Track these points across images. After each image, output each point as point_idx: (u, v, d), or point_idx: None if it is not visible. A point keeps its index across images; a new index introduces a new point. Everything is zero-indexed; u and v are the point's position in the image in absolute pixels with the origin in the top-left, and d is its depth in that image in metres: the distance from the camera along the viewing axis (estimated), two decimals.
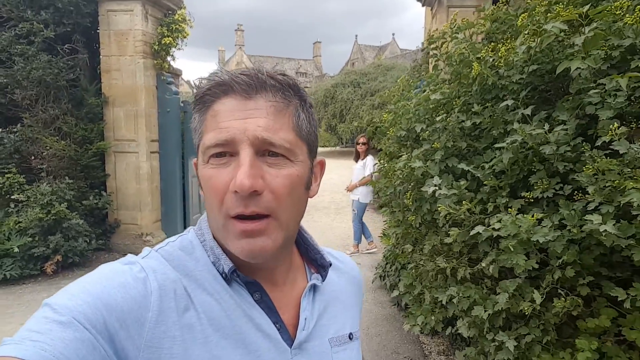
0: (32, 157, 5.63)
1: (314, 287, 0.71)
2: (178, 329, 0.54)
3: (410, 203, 2.17)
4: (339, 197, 11.23)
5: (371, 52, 54.70)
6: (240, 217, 0.56)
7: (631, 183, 1.39)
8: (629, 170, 1.45)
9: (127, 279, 0.54)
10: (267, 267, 0.65)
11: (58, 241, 5.31)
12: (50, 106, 5.58)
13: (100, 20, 5.93)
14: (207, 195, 0.59)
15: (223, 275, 0.60)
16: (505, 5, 2.37)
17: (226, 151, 0.57)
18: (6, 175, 5.36)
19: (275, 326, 0.63)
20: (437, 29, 4.89)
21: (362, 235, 6.54)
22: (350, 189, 6.33)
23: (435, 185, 1.93)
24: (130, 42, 5.93)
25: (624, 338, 1.67)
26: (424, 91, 2.39)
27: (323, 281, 0.73)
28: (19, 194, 5.34)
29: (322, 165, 0.71)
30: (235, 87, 0.58)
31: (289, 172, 0.59)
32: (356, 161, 6.41)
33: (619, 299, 1.52)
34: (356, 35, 60.43)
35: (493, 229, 1.63)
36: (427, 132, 2.18)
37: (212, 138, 0.57)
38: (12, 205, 5.52)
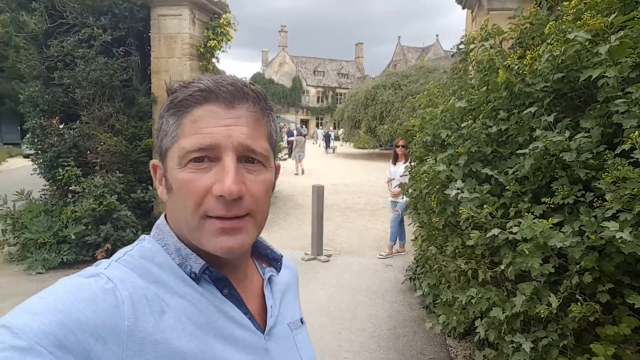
0: (88, 152, 6.10)
1: (270, 279, 0.77)
2: (159, 332, 0.54)
3: (435, 205, 2.23)
4: (375, 199, 11.24)
5: (414, 54, 53.90)
6: (219, 217, 0.59)
7: None
8: None
9: (95, 291, 0.52)
10: (234, 263, 0.68)
11: (108, 230, 5.72)
12: (105, 105, 6.03)
13: (152, 24, 6.33)
14: (183, 198, 0.60)
15: (192, 275, 0.62)
16: (541, 8, 2.37)
17: (206, 156, 0.59)
18: (65, 168, 5.85)
19: (246, 317, 0.66)
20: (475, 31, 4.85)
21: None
22: (398, 194, 6.35)
23: (458, 189, 1.98)
24: (179, 45, 6.29)
25: None
26: (451, 98, 2.43)
27: (278, 272, 0.80)
28: (76, 186, 5.81)
29: (279, 168, 0.75)
30: (219, 95, 0.60)
31: (264, 177, 0.64)
32: (394, 164, 6.46)
33: (636, 306, 1.52)
34: (399, 37, 59.87)
35: (510, 232, 1.67)
36: (453, 137, 2.23)
37: (194, 142, 0.59)
38: (69, 195, 6.02)
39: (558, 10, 2.11)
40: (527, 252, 1.60)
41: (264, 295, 0.74)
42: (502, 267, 1.83)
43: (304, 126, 47.44)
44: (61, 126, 6.30)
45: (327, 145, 28.69)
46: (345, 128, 27.99)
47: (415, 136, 3.32)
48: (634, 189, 1.47)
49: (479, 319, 1.98)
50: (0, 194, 6.05)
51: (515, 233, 1.65)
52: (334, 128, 37.48)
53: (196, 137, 0.59)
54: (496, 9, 4.93)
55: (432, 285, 2.56)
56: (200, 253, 0.63)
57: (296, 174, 15.42)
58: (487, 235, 1.77)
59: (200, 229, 0.60)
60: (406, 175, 6.16)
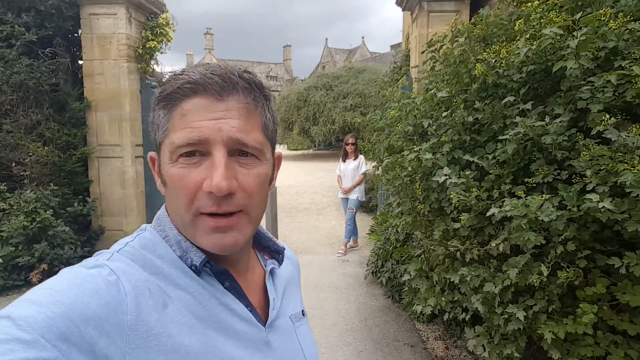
0: (13, 164, 5.49)
1: (271, 271, 0.77)
2: (161, 326, 0.53)
3: (419, 193, 2.35)
4: (319, 199, 11.41)
5: (341, 55, 55.35)
6: (212, 214, 0.58)
7: (624, 165, 1.62)
8: (621, 154, 1.68)
9: (99, 283, 0.51)
10: (233, 257, 0.67)
11: (44, 249, 5.19)
12: (32, 111, 5.46)
13: (82, 23, 5.85)
14: (175, 194, 0.59)
15: (193, 268, 0.61)
16: (496, 9, 2.60)
17: (196, 150, 0.58)
18: None
19: (248, 309, 0.66)
20: (429, 35, 5.12)
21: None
22: (349, 190, 6.49)
23: (446, 175, 2.12)
24: (114, 46, 5.88)
25: (617, 303, 1.90)
26: (427, 90, 2.59)
27: (280, 265, 0.79)
28: (1, 202, 5.20)
29: (280, 159, 0.74)
30: (207, 87, 0.58)
31: (258, 171, 0.62)
32: (344, 161, 6.60)
33: (616, 266, 1.74)
34: (326, 39, 61.13)
35: (505, 210, 1.83)
36: (434, 127, 2.37)
37: (183, 137, 0.57)
38: None
39: (519, 9, 2.34)
40: (523, 227, 1.76)
41: (265, 287, 0.74)
42: (494, 243, 1.99)
43: None
44: None
45: None
46: (279, 130, 27.97)
47: (376, 129, 3.45)
48: (609, 164, 1.69)
49: (473, 295, 2.12)
50: None
51: (509, 211, 1.80)
52: None
53: (185, 132, 0.57)
54: (436, 10, 5.26)
55: (418, 270, 2.68)
56: (198, 247, 0.62)
57: None
58: (487, 215, 1.91)
59: (193, 226, 0.59)
60: (365, 170, 6.38)
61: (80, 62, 6.15)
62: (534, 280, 1.84)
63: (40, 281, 0.46)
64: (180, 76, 0.59)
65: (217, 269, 0.63)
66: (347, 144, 6.55)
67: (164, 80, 0.58)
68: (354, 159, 6.50)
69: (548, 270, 1.85)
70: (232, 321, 0.62)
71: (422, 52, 2.95)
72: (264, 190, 0.64)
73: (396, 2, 5.87)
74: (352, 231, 6.61)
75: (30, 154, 5.40)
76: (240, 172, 0.59)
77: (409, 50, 6.35)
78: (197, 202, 0.57)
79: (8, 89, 5.25)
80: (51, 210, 5.31)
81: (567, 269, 1.86)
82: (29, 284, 5.25)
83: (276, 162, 0.71)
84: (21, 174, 5.47)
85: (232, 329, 0.62)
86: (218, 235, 0.58)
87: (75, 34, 6.04)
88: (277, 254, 0.79)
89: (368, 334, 3.89)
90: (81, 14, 5.80)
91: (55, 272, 0.56)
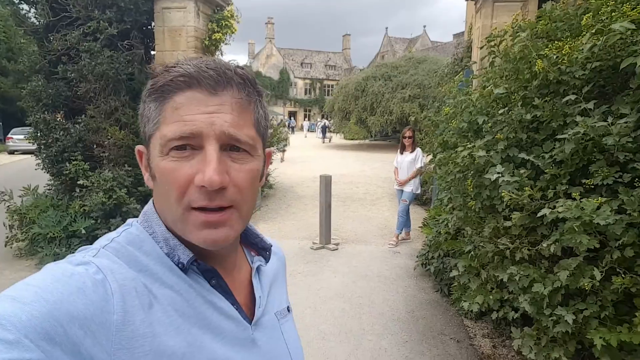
0: (95, 146, 6.08)
1: (258, 269, 0.76)
2: (147, 326, 0.53)
3: (471, 189, 2.35)
4: (373, 189, 11.40)
5: (401, 45, 54.05)
6: (202, 209, 0.57)
7: None
8: None
9: (85, 281, 0.50)
10: (221, 253, 0.67)
11: (118, 224, 5.70)
12: (111, 98, 5.99)
13: (156, 17, 6.29)
14: (166, 188, 0.58)
15: (179, 265, 0.60)
16: (562, 3, 2.49)
17: (188, 144, 0.57)
18: (73, 162, 5.82)
19: (234, 307, 0.66)
20: (492, 26, 4.96)
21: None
22: (404, 183, 6.49)
23: (499, 173, 2.10)
24: (183, 38, 6.27)
25: None
26: (484, 87, 2.55)
27: (267, 262, 0.78)
28: (84, 180, 5.80)
29: (269, 155, 0.74)
30: (201, 81, 0.58)
31: (250, 167, 0.61)
32: (401, 153, 6.59)
33: None
34: (386, 28, 59.93)
35: (558, 212, 1.80)
36: (489, 124, 2.35)
37: (175, 130, 0.57)
38: (77, 190, 5.99)
39: (587, 2, 2.23)
40: (575, 230, 1.73)
41: (252, 284, 0.74)
42: (545, 244, 1.96)
43: (292, 118, 47.35)
44: (64, 120, 6.25)
45: (324, 136, 30.55)
46: (336, 119, 28.10)
47: (432, 124, 3.44)
48: None
49: (521, 295, 2.11)
50: (6, 189, 6.00)
51: (562, 212, 1.78)
52: (325, 119, 38.05)
53: (177, 125, 0.57)
54: (501, 0, 5.05)
55: (467, 266, 2.68)
56: (186, 243, 0.61)
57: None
58: (538, 215, 1.89)
59: (184, 220, 0.58)
60: (421, 164, 6.33)
61: (152, 52, 6.63)
62: (586, 284, 1.81)
63: None
64: (174, 69, 0.59)
65: (204, 267, 0.62)
66: (405, 137, 6.51)
67: (155, 71, 0.62)
68: (411, 152, 6.45)
69: (602, 274, 1.81)
70: (218, 319, 0.62)
71: (481, 48, 2.89)
72: (255, 186, 0.64)
73: None
74: (405, 223, 6.60)
75: (109, 137, 5.95)
76: (232, 167, 0.59)
77: (471, 42, 6.14)
78: (187, 197, 0.57)
79: (92, 78, 5.79)
80: (125, 189, 5.83)
81: (624, 275, 1.80)
82: None
83: (267, 158, 0.71)
84: (101, 155, 6.04)
85: (218, 328, 0.62)
86: (208, 230, 0.58)
87: (149, 27, 6.50)
88: (264, 251, 0.79)
89: (414, 325, 3.93)
90: (155, 8, 6.22)
91: None
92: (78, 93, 5.96)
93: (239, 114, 0.60)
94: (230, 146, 0.59)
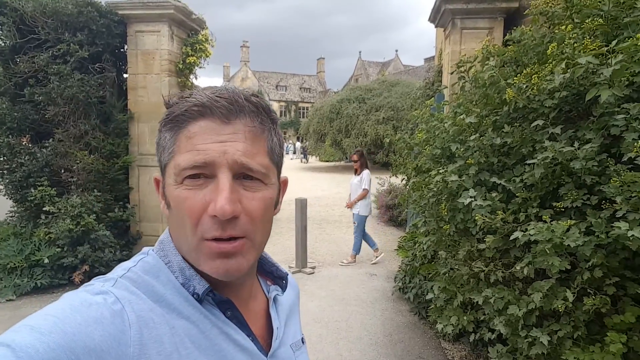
0: (62, 171, 5.87)
1: (274, 299, 0.76)
2: (164, 358, 0.52)
3: (445, 213, 2.38)
4: (349, 211, 11.39)
5: (374, 68, 55.48)
6: (215, 239, 0.57)
7: None
8: None
9: (104, 312, 0.50)
10: (236, 283, 0.66)
11: (86, 252, 5.50)
12: (81, 122, 5.84)
13: (129, 40, 6.24)
14: (180, 216, 0.58)
15: (195, 296, 0.60)
16: (529, 30, 2.61)
17: (202, 173, 0.57)
18: (38, 188, 5.59)
19: (250, 339, 0.65)
20: (461, 51, 5.14)
21: (368, 245, 6.80)
22: (350, 206, 6.63)
23: (471, 197, 2.14)
24: (157, 61, 6.23)
25: None
26: (455, 114, 2.63)
27: (284, 292, 0.78)
28: (50, 206, 5.56)
29: (285, 183, 0.73)
30: (214, 110, 0.58)
31: (263, 195, 0.61)
32: (354, 175, 6.75)
33: None
34: (360, 52, 61.47)
35: (529, 234, 1.84)
36: (462, 149, 2.40)
37: (188, 160, 0.57)
38: (42, 217, 5.74)
39: (552, 31, 2.35)
40: (547, 252, 1.76)
41: (268, 314, 0.73)
42: (519, 266, 1.99)
43: None
44: (30, 145, 6.03)
45: (305, 157, 33.44)
46: (311, 142, 28.31)
47: (407, 147, 3.49)
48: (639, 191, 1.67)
49: (496, 317, 2.12)
50: None
51: (534, 235, 1.81)
52: (299, 141, 38.87)
53: (191, 154, 0.57)
54: (469, 28, 5.27)
55: (442, 288, 2.69)
56: (202, 273, 0.61)
57: None
58: (512, 238, 1.92)
59: (197, 250, 0.58)
60: (366, 186, 6.42)
61: (125, 75, 6.54)
62: (559, 306, 1.84)
63: (82, 282, 0.51)
64: (188, 99, 0.59)
65: (219, 298, 0.62)
66: (353, 161, 6.70)
67: (170, 102, 0.62)
68: (358, 174, 6.59)
69: (574, 295, 1.84)
70: (234, 352, 0.61)
71: (451, 73, 2.99)
72: (269, 215, 0.63)
73: (429, 19, 5.91)
74: (358, 244, 6.71)
75: (78, 161, 5.76)
76: (245, 195, 0.59)
77: (442, 66, 6.36)
78: (200, 227, 0.57)
79: (61, 101, 5.64)
80: (94, 215, 5.63)
81: (594, 296, 1.84)
82: (72, 284, 5.57)
83: (282, 186, 0.71)
84: (69, 180, 5.83)
85: None
86: (221, 260, 0.57)
87: (122, 50, 6.42)
88: (280, 279, 0.78)
89: (392, 349, 3.89)
90: (128, 31, 6.18)
91: (96, 274, 0.60)
92: (46, 116, 5.79)
93: (252, 142, 0.60)
94: (243, 175, 0.59)
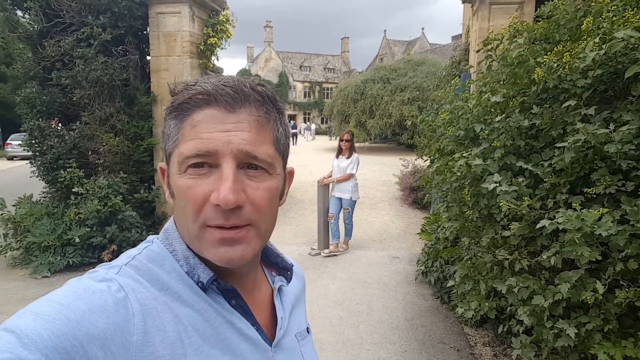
0: (90, 153, 6.02)
1: (279, 289, 0.76)
2: (167, 347, 0.52)
3: (468, 198, 2.29)
4: (373, 193, 11.32)
5: (400, 47, 54.10)
6: (218, 227, 0.57)
7: None
8: None
9: (107, 300, 0.50)
10: (241, 272, 0.66)
11: (114, 232, 5.67)
12: (106, 104, 5.93)
13: (150, 22, 6.24)
14: (183, 205, 0.58)
15: (199, 284, 0.60)
16: (561, 3, 2.43)
17: (205, 162, 0.57)
18: (67, 169, 5.76)
19: (254, 328, 0.65)
20: (489, 28, 4.91)
21: (330, 232, 6.41)
22: (325, 183, 6.23)
23: (496, 182, 2.04)
24: (179, 43, 6.22)
25: None
26: (480, 93, 2.49)
27: (289, 282, 0.77)
28: (79, 187, 5.73)
29: (292, 174, 0.73)
30: (219, 99, 0.57)
31: (268, 185, 0.60)
32: (337, 157, 6.27)
33: None
34: (385, 30, 59.88)
35: (557, 222, 1.73)
36: (487, 131, 2.29)
37: (192, 148, 0.57)
38: (72, 197, 5.93)
39: (586, 5, 2.17)
40: (576, 241, 1.66)
41: (272, 305, 0.73)
42: (545, 255, 1.89)
43: (292, 122, 47.33)
44: (59, 127, 6.20)
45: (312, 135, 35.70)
46: (335, 122, 28.08)
47: (429, 129, 3.38)
48: None
49: (521, 307, 2.04)
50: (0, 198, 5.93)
51: (562, 223, 1.71)
52: (323, 122, 38.88)
53: (194, 143, 0.56)
54: (498, 2, 5.00)
55: (463, 276, 2.62)
56: (206, 262, 0.61)
57: None
58: (538, 226, 1.82)
59: (200, 238, 0.58)
60: (353, 171, 6.05)
61: (148, 58, 6.58)
62: (588, 298, 1.74)
63: (110, 260, 0.51)
64: (193, 87, 0.59)
65: (224, 286, 0.62)
66: (342, 140, 6.17)
67: (175, 90, 0.61)
68: (347, 157, 6.14)
69: (604, 287, 1.74)
70: (238, 340, 0.62)
71: (478, 51, 2.83)
72: (274, 205, 0.63)
73: None
74: (350, 230, 6.42)
75: (104, 143, 5.89)
76: (249, 185, 0.58)
77: (469, 44, 6.09)
78: (203, 214, 0.56)
79: (86, 84, 5.74)
80: (121, 196, 5.77)
81: (627, 288, 1.73)
82: (100, 262, 5.75)
83: (288, 176, 0.70)
84: (96, 162, 5.98)
85: (237, 349, 0.61)
86: (224, 248, 0.57)
87: (144, 32, 6.45)
88: (285, 270, 0.78)
89: (414, 333, 3.86)
90: (149, 13, 6.18)
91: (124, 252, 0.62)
92: (73, 99, 5.91)
93: (257, 131, 0.59)
94: (247, 164, 0.58)
